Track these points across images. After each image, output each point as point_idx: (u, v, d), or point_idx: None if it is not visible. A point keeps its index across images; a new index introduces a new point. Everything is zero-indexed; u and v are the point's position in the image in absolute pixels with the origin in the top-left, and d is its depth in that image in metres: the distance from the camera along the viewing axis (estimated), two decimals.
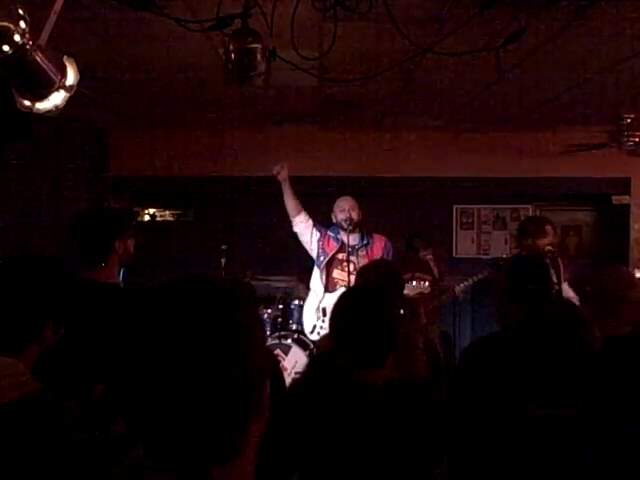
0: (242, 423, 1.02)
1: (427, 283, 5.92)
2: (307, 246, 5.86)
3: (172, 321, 1.00)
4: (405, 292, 5.80)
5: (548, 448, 1.98)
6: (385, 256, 5.66)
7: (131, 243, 3.23)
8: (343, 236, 5.65)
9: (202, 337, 0.99)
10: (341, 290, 5.59)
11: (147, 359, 0.99)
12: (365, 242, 5.64)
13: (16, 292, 2.02)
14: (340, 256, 5.68)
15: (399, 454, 2.23)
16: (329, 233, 5.78)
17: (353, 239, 5.56)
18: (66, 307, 2.14)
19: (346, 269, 5.58)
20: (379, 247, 5.67)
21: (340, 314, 2.51)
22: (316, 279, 5.89)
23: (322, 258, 5.71)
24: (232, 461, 1.03)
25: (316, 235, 5.79)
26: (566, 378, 2.03)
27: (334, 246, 5.70)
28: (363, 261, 5.43)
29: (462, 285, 6.77)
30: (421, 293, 6.06)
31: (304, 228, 5.83)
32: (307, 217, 5.85)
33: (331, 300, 5.62)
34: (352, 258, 5.54)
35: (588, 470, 1.98)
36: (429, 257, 6.88)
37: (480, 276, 6.71)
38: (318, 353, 4.00)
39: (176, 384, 0.97)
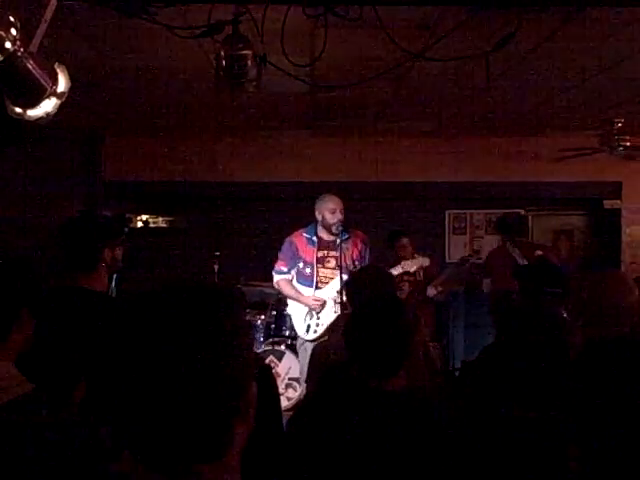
0: (229, 422, 1.06)
1: (427, 257, 5.94)
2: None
3: (160, 326, 1.03)
4: (406, 269, 5.83)
5: (530, 448, 2.00)
6: (365, 248, 5.63)
7: (119, 252, 3.21)
8: (321, 233, 5.62)
9: (189, 341, 1.02)
10: (330, 284, 5.59)
11: (135, 363, 1.02)
12: (345, 237, 5.59)
13: None
14: (320, 254, 5.65)
15: (420, 460, 2.24)
16: (304, 235, 5.72)
17: (334, 237, 5.52)
18: (39, 297, 2.16)
19: (328, 266, 5.59)
20: (358, 241, 5.64)
21: (355, 325, 2.52)
22: (299, 278, 5.84)
23: (309, 270, 5.66)
24: (219, 459, 1.06)
25: (294, 271, 5.75)
26: (547, 383, 2.06)
27: (311, 250, 5.66)
28: (347, 254, 5.42)
29: (432, 286, 6.77)
30: (421, 267, 6.07)
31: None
32: (288, 275, 5.81)
33: (322, 296, 5.61)
34: (332, 253, 5.54)
35: (571, 470, 2.01)
36: (405, 244, 6.84)
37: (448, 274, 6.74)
38: (319, 359, 3.98)
39: (165, 386, 1.00)
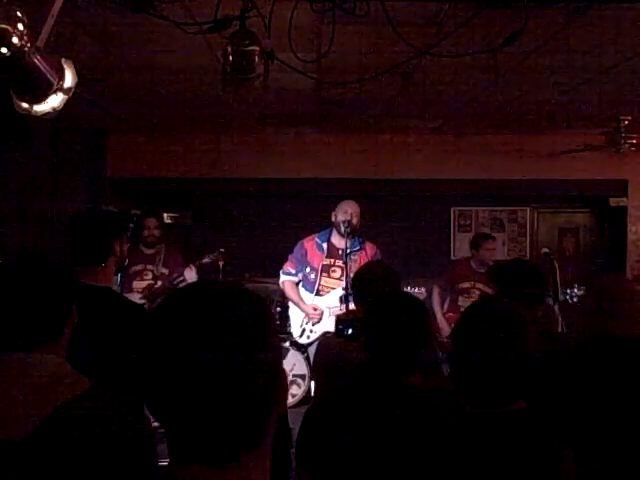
0: (269, 410, 1.10)
1: (423, 289, 5.89)
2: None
3: (200, 323, 1.05)
4: None
5: (488, 444, 2.04)
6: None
7: (126, 247, 3.22)
8: (333, 239, 5.64)
9: (238, 332, 1.05)
10: (331, 294, 5.59)
11: (192, 358, 1.03)
12: (356, 248, 5.60)
13: (44, 279, 2.04)
14: (326, 262, 5.66)
15: (440, 453, 2.26)
16: (316, 240, 5.73)
17: (345, 243, 5.50)
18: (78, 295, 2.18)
19: (332, 275, 5.61)
20: (369, 255, 5.61)
21: (380, 323, 2.52)
22: (303, 282, 5.86)
23: (313, 275, 5.68)
24: (261, 446, 1.10)
25: (301, 275, 5.79)
26: (499, 378, 2.11)
27: (319, 256, 5.67)
28: (354, 265, 5.38)
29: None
30: None
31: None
32: (295, 277, 5.85)
33: (320, 304, 5.62)
34: (339, 263, 5.54)
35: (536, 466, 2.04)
36: (493, 247, 6.71)
37: None
38: (323, 352, 3.98)
39: (220, 377, 1.03)
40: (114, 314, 2.85)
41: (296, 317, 5.85)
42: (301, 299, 5.74)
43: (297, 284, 5.83)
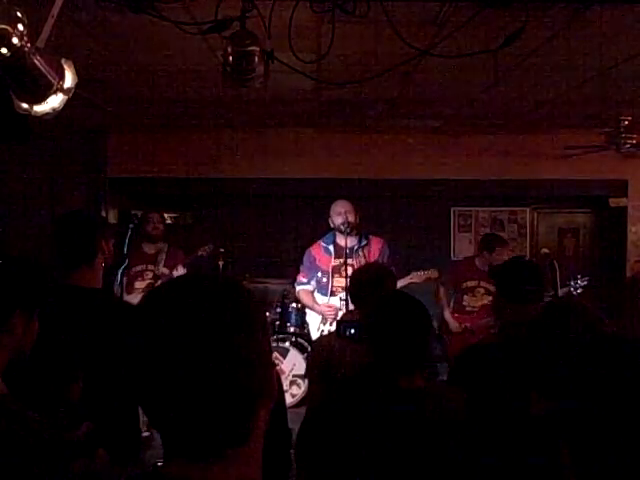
0: (254, 406, 1.09)
1: (435, 270, 5.89)
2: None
3: (177, 315, 1.05)
4: (414, 280, 5.85)
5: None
6: (381, 258, 5.62)
7: (111, 243, 3.22)
8: (339, 240, 5.64)
9: (220, 325, 1.05)
10: (343, 293, 5.60)
11: (170, 351, 1.03)
12: (363, 244, 5.63)
13: None
14: (336, 263, 5.67)
15: (451, 454, 2.24)
16: (322, 244, 5.75)
17: (350, 241, 5.53)
18: (37, 300, 2.14)
19: (344, 275, 5.60)
20: (376, 249, 5.64)
21: (381, 323, 2.51)
22: (317, 287, 5.87)
23: (325, 278, 5.70)
24: (246, 443, 1.08)
25: (314, 282, 5.79)
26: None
27: (327, 259, 5.68)
28: (362, 262, 5.41)
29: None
30: (429, 279, 6.04)
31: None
32: (309, 286, 5.86)
33: (335, 303, 5.63)
34: (349, 261, 5.53)
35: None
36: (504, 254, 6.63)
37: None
38: (318, 352, 3.98)
39: (197, 370, 1.02)
40: (103, 315, 2.84)
41: (313, 321, 5.89)
42: (315, 302, 5.75)
43: (312, 292, 5.84)
